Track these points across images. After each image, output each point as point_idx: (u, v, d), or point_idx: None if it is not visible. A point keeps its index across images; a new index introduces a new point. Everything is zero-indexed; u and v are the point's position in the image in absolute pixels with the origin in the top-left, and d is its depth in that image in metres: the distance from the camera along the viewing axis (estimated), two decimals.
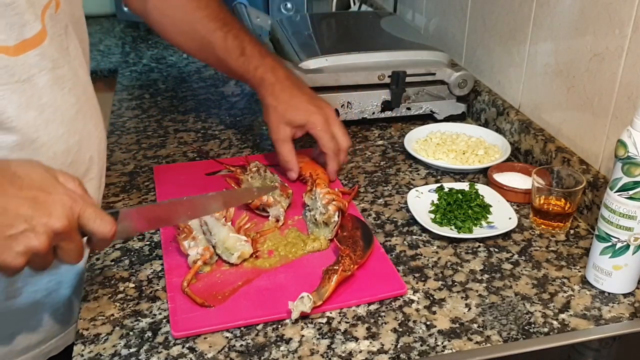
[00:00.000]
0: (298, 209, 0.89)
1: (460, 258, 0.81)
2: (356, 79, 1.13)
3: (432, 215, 0.87)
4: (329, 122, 0.94)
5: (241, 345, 0.66)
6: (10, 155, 0.68)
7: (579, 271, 0.78)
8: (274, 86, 0.95)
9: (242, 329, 0.68)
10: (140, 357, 0.65)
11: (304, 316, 0.70)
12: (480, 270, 0.78)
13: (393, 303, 0.72)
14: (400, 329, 0.68)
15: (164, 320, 0.69)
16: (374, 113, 1.17)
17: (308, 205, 0.87)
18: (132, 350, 0.66)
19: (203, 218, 0.82)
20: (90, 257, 0.80)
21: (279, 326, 0.69)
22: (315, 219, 0.83)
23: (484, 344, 0.66)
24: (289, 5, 1.62)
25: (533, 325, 0.69)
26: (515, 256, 0.81)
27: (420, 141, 1.08)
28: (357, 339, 0.67)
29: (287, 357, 0.65)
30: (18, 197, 0.57)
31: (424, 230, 0.85)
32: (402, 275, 0.77)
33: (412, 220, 0.88)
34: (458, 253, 0.81)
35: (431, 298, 0.73)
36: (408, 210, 0.89)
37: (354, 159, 1.06)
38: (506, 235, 0.85)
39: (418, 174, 1.01)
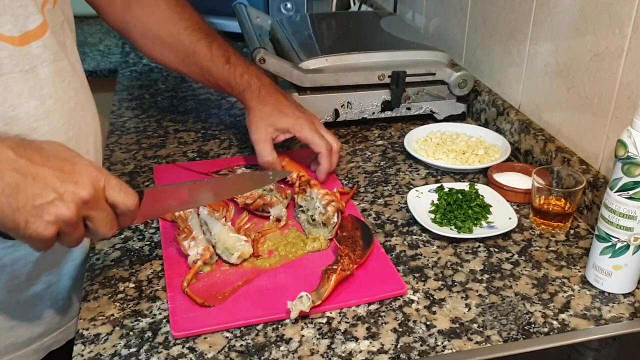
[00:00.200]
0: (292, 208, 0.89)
1: (460, 258, 0.81)
2: (356, 79, 1.13)
3: (432, 215, 0.87)
4: (315, 125, 0.94)
5: (241, 345, 0.66)
6: None
7: (579, 271, 0.78)
8: (260, 90, 0.95)
9: (242, 329, 0.68)
10: (140, 357, 0.65)
11: (304, 316, 0.70)
12: (480, 270, 0.78)
13: (393, 303, 0.72)
14: (400, 329, 0.68)
15: (164, 320, 0.70)
16: (374, 113, 1.17)
17: (301, 206, 0.87)
18: (132, 350, 0.66)
19: (203, 218, 0.82)
20: (91, 257, 0.81)
21: (279, 326, 0.69)
22: (313, 220, 0.83)
23: (484, 344, 0.66)
24: (289, 5, 1.62)
25: (533, 325, 0.69)
26: (515, 256, 0.81)
27: (420, 141, 1.08)
28: (357, 339, 0.67)
29: (287, 357, 0.65)
30: (45, 167, 0.57)
31: (424, 230, 0.85)
32: (402, 275, 0.77)
33: (412, 220, 0.88)
34: (458, 253, 0.81)
35: (431, 298, 0.73)
36: (408, 210, 0.89)
37: (354, 159, 1.06)
38: (506, 235, 0.85)
39: (418, 174, 1.01)
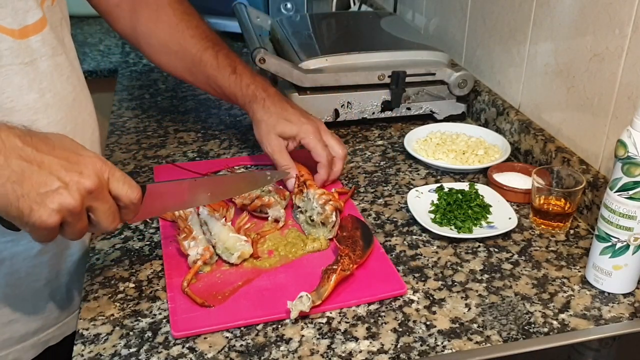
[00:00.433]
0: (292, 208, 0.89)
1: (460, 258, 0.81)
2: (356, 79, 1.13)
3: (432, 215, 0.87)
4: (320, 132, 0.93)
5: (241, 345, 0.66)
6: None
7: (579, 271, 0.78)
8: (264, 101, 0.95)
9: (242, 329, 0.68)
10: (140, 357, 0.65)
11: (304, 316, 0.70)
12: (480, 270, 0.78)
13: (393, 303, 0.72)
14: (400, 329, 0.68)
15: (164, 320, 0.70)
16: (374, 113, 1.17)
17: (299, 207, 0.87)
18: (132, 350, 0.66)
19: (203, 218, 0.82)
20: (91, 256, 0.81)
21: (279, 326, 0.69)
22: (312, 220, 0.83)
23: (483, 344, 0.66)
24: (289, 5, 1.62)
25: (533, 325, 0.69)
26: (515, 256, 0.81)
27: (420, 141, 1.08)
28: (357, 339, 0.67)
29: (287, 357, 0.65)
30: (51, 155, 0.57)
31: (424, 230, 0.85)
32: (402, 275, 0.77)
33: (412, 220, 0.88)
34: (458, 253, 0.81)
35: (431, 298, 0.73)
36: (408, 210, 0.89)
37: (354, 159, 1.06)
38: (506, 235, 0.85)
39: (418, 174, 1.01)
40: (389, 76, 1.13)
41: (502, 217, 0.87)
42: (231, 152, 1.08)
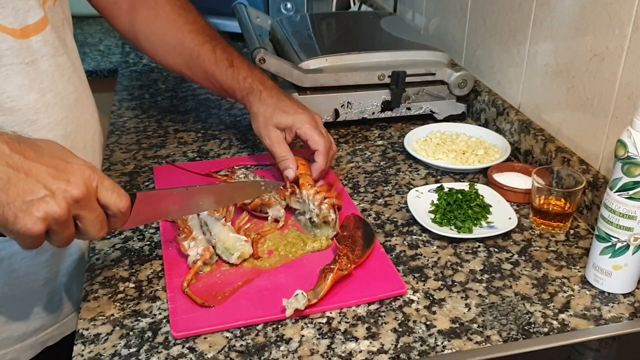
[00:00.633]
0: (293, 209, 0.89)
1: (460, 258, 0.81)
2: (356, 79, 1.13)
3: (432, 215, 0.87)
4: (315, 121, 0.93)
5: (241, 345, 0.66)
6: None
7: (579, 271, 0.78)
8: (261, 93, 0.95)
9: (242, 329, 0.68)
10: (140, 357, 0.65)
11: (303, 316, 0.70)
12: (480, 270, 0.78)
13: (393, 303, 0.72)
14: (400, 329, 0.68)
15: (164, 320, 0.70)
16: (374, 113, 1.17)
17: (297, 210, 0.87)
18: (132, 350, 0.66)
19: (203, 218, 0.82)
20: (91, 257, 0.81)
21: (279, 326, 0.69)
22: (313, 221, 0.83)
23: (484, 344, 0.66)
24: (289, 5, 1.62)
25: (533, 325, 0.69)
26: (515, 256, 0.81)
27: (420, 141, 1.08)
28: (357, 339, 0.67)
29: (287, 357, 0.65)
30: (39, 163, 0.57)
31: (424, 230, 0.85)
32: (402, 275, 0.77)
33: (412, 220, 0.88)
34: (458, 253, 0.81)
35: (431, 298, 0.73)
36: (408, 210, 0.89)
37: (354, 159, 1.06)
38: (506, 235, 0.85)
39: (418, 174, 1.01)
40: (389, 76, 1.13)
41: (502, 217, 0.87)
42: (231, 152, 1.08)
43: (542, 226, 0.86)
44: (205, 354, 0.65)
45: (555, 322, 0.70)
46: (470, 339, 0.67)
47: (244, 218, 0.85)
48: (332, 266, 0.72)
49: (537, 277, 0.77)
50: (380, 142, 1.12)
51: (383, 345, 0.66)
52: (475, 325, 0.69)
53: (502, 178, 0.95)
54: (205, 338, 0.67)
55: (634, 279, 0.74)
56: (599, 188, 0.85)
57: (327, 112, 1.14)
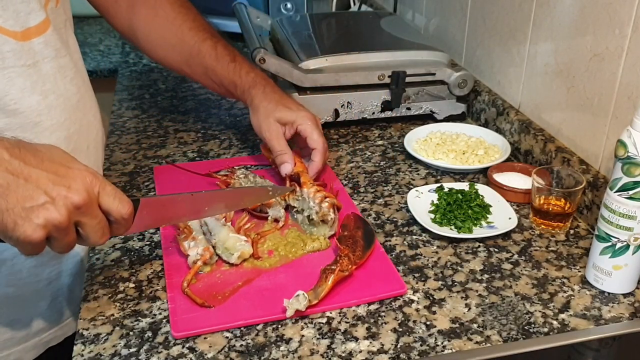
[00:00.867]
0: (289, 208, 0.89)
1: (460, 258, 0.81)
2: (356, 79, 1.13)
3: (432, 215, 0.87)
4: (316, 121, 0.94)
5: (241, 345, 0.66)
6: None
7: (579, 271, 0.78)
8: (265, 87, 0.96)
9: (242, 329, 0.68)
10: (140, 357, 0.65)
11: (303, 316, 0.70)
12: (480, 270, 0.78)
13: (393, 303, 0.72)
14: (400, 329, 0.68)
15: (164, 320, 0.70)
16: (374, 113, 1.17)
17: (295, 207, 0.87)
18: (132, 350, 0.66)
19: (203, 218, 0.82)
20: (91, 257, 0.81)
21: (279, 326, 0.69)
22: (311, 219, 0.83)
23: (484, 344, 0.66)
24: (289, 5, 1.62)
25: (533, 325, 0.69)
26: (515, 256, 0.81)
27: (420, 141, 1.08)
28: (357, 339, 0.67)
29: (287, 357, 0.65)
30: (40, 169, 0.56)
31: (424, 230, 0.85)
32: (402, 275, 0.77)
33: (412, 220, 0.88)
34: (458, 253, 0.81)
35: (431, 298, 0.73)
36: (408, 210, 0.89)
37: (354, 159, 1.06)
38: (506, 235, 0.85)
39: (418, 174, 1.01)
40: (389, 76, 1.13)
41: (502, 217, 0.87)
42: (231, 152, 1.08)
43: (542, 226, 0.86)
44: (205, 354, 0.65)
45: (555, 322, 0.70)
46: (470, 339, 0.67)
47: (244, 218, 0.85)
48: (333, 267, 0.72)
49: (537, 277, 0.77)
50: (380, 142, 1.12)
51: (383, 345, 0.66)
52: (475, 325, 0.69)
53: (502, 178, 0.95)
54: (205, 338, 0.67)
55: (634, 279, 0.74)
56: (599, 188, 0.85)
57: (327, 112, 1.14)
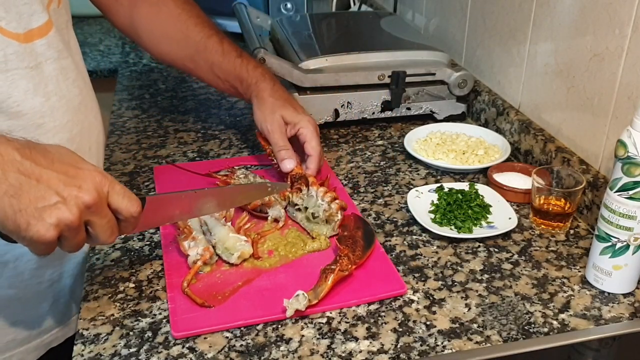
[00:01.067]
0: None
1: (460, 258, 0.81)
2: (356, 79, 1.13)
3: (432, 215, 0.87)
4: (317, 129, 0.94)
5: (241, 345, 0.66)
6: None
7: (579, 271, 0.78)
8: (274, 84, 0.97)
9: (242, 329, 0.68)
10: (140, 357, 0.65)
11: (303, 316, 0.70)
12: (480, 270, 0.78)
13: (393, 303, 0.72)
14: (400, 329, 0.68)
15: (164, 320, 0.70)
16: (374, 113, 1.17)
17: (297, 205, 0.87)
18: (132, 350, 0.66)
19: (203, 218, 0.82)
20: (91, 257, 0.80)
21: (279, 326, 0.69)
22: (316, 217, 0.83)
23: (484, 344, 0.66)
24: (289, 5, 1.62)
25: (533, 325, 0.69)
26: (515, 256, 0.81)
27: (420, 141, 1.08)
28: (357, 339, 0.67)
29: (287, 357, 0.65)
30: (50, 169, 0.57)
31: (424, 230, 0.85)
32: (402, 275, 0.77)
33: (412, 220, 0.88)
34: (458, 253, 0.81)
35: (431, 298, 0.73)
36: (408, 210, 0.89)
37: (354, 159, 1.06)
38: (506, 235, 0.85)
39: (418, 174, 1.01)
40: (389, 76, 1.13)
41: (502, 217, 0.87)
42: (231, 152, 1.08)
43: (542, 226, 0.86)
44: (205, 354, 0.65)
45: (555, 322, 0.70)
46: (470, 339, 0.67)
47: (244, 218, 0.85)
48: (332, 267, 0.72)
49: (537, 277, 0.77)
50: (380, 142, 1.12)
51: (383, 345, 0.66)
52: (475, 325, 0.69)
53: (502, 178, 0.95)
54: (205, 338, 0.67)
55: (634, 279, 0.74)
56: (599, 188, 0.85)
57: (327, 112, 1.14)
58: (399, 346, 0.66)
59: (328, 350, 0.65)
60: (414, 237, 0.85)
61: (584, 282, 0.76)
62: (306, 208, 0.85)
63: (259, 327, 0.68)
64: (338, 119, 1.15)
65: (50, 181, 0.56)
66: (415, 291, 0.74)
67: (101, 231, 0.60)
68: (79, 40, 0.86)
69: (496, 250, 0.82)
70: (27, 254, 0.77)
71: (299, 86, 1.12)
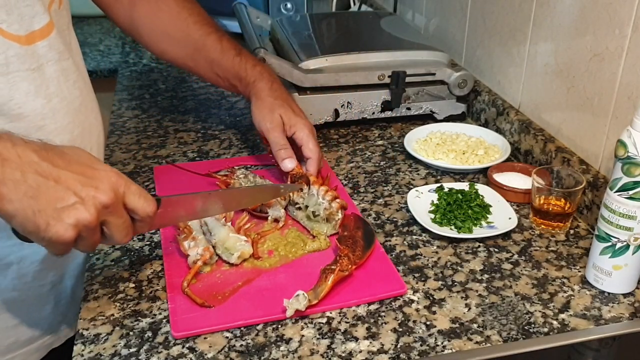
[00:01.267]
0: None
1: (460, 258, 0.81)
2: (356, 79, 1.13)
3: (432, 215, 0.87)
4: (313, 132, 0.94)
5: (241, 345, 0.66)
6: None
7: (579, 271, 0.78)
8: (272, 83, 0.96)
9: (242, 329, 0.68)
10: (140, 357, 0.65)
11: (303, 316, 0.70)
12: (480, 270, 0.78)
13: (393, 303, 0.72)
14: (400, 329, 0.68)
15: (164, 320, 0.70)
16: (374, 113, 1.17)
17: (297, 203, 0.87)
18: (132, 350, 0.66)
19: (203, 218, 0.82)
20: (91, 257, 0.80)
21: (279, 326, 0.69)
22: (316, 215, 0.83)
23: (483, 344, 0.66)
24: (289, 5, 1.62)
25: (533, 325, 0.69)
26: (515, 256, 0.81)
27: (420, 141, 1.08)
28: (357, 339, 0.67)
29: (287, 357, 0.65)
30: (67, 170, 0.57)
31: (424, 230, 0.85)
32: (402, 275, 0.77)
33: (412, 220, 0.88)
34: (458, 253, 0.81)
35: (431, 298, 0.73)
36: (408, 210, 0.89)
37: (354, 159, 1.06)
38: (506, 235, 0.85)
39: (418, 174, 1.01)
40: (389, 76, 1.13)
41: (502, 217, 0.87)
42: (231, 152, 1.08)
43: (542, 226, 0.86)
44: (205, 354, 0.65)
45: (555, 322, 0.70)
46: (470, 339, 0.67)
47: (244, 218, 0.85)
48: (332, 267, 0.72)
49: (537, 277, 0.77)
50: (380, 142, 1.12)
51: (383, 345, 0.66)
52: (475, 325, 0.69)
53: (502, 178, 0.95)
54: (205, 338, 0.67)
55: (634, 279, 0.74)
56: (599, 188, 0.85)
57: (327, 112, 1.14)
58: (399, 346, 0.66)
59: (328, 350, 0.65)
60: (414, 237, 0.85)
61: (584, 282, 0.76)
62: (307, 207, 0.85)
63: (259, 327, 0.68)
64: (338, 119, 1.15)
65: (68, 182, 0.57)
66: (415, 291, 0.74)
67: (117, 231, 0.61)
68: (79, 41, 0.86)
69: (496, 250, 0.82)
70: (30, 255, 0.77)
71: (299, 86, 1.12)
